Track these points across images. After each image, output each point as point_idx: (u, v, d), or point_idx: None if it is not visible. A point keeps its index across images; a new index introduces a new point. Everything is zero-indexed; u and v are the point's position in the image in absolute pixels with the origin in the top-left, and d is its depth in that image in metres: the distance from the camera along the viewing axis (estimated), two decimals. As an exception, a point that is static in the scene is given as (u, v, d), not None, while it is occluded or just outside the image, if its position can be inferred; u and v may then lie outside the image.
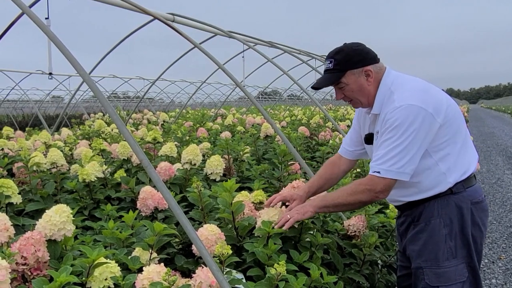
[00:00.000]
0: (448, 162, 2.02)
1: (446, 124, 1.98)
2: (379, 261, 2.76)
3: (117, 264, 1.81)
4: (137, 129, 8.16)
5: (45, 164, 3.55)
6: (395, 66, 2.18)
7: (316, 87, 2.17)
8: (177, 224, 2.41)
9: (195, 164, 3.38)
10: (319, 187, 2.40)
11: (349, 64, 2.05)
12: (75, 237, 2.13)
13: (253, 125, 8.39)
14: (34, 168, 3.46)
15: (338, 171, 2.44)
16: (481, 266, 2.19)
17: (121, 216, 2.43)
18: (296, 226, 2.26)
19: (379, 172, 1.97)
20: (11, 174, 3.86)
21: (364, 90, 2.09)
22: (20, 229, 2.44)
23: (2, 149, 4.89)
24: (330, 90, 26.09)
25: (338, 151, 2.48)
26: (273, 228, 2.13)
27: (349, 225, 2.63)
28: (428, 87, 2.05)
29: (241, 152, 4.26)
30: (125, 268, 1.92)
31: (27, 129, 9.96)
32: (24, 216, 2.77)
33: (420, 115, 1.92)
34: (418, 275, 2.08)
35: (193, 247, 2.08)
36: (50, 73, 5.46)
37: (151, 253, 2.02)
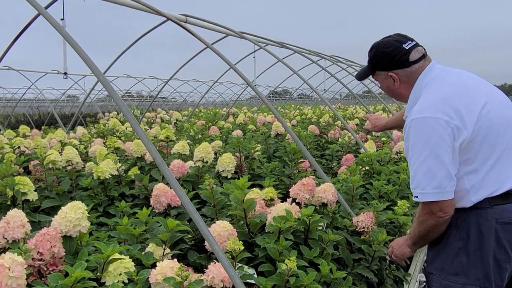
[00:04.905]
0: (474, 179, 1.80)
1: (477, 138, 1.77)
2: (387, 257, 2.78)
3: (131, 260, 1.85)
4: (150, 128, 8.23)
5: (61, 161, 3.61)
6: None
7: (357, 78, 2.21)
8: (190, 220, 2.45)
9: (207, 162, 3.41)
10: (392, 125, 2.75)
11: (376, 66, 2.02)
12: (90, 233, 2.17)
13: (264, 123, 8.40)
14: (50, 165, 3.52)
15: None
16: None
17: (135, 213, 2.47)
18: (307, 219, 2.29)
19: (417, 197, 1.83)
20: (27, 172, 3.93)
21: (393, 91, 2.03)
22: (36, 226, 2.49)
23: (19, 147, 4.99)
24: (339, 89, 25.96)
25: None
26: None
27: (357, 221, 2.66)
28: (458, 91, 1.83)
29: (252, 150, 4.29)
30: (139, 263, 1.96)
31: (43, 127, 10.10)
32: (40, 213, 2.83)
33: (438, 127, 1.74)
34: (429, 281, 2.02)
35: (206, 243, 2.11)
36: (66, 73, 5.55)
37: (164, 249, 2.05)
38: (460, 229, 1.85)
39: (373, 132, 6.94)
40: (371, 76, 2.13)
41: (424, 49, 1.98)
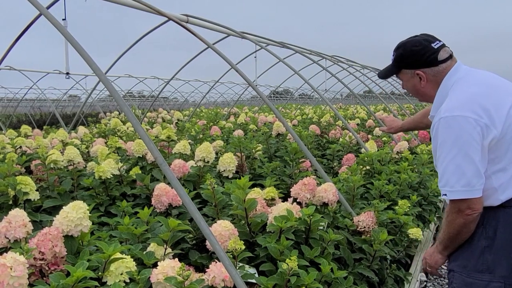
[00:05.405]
0: (502, 178, 1.81)
1: (506, 136, 1.78)
2: (388, 257, 2.78)
3: (132, 259, 1.85)
4: (152, 128, 8.24)
5: (62, 161, 3.62)
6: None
7: (379, 76, 2.18)
8: (191, 220, 2.46)
9: (208, 162, 3.42)
10: (409, 127, 2.75)
11: (403, 64, 2.01)
12: (92, 233, 2.18)
13: (265, 123, 8.40)
14: (52, 165, 3.53)
15: (427, 121, 2.41)
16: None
17: (136, 213, 2.48)
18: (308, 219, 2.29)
19: (446, 195, 1.81)
20: (29, 172, 3.94)
21: (418, 90, 2.03)
22: (37, 225, 2.50)
23: (20, 147, 5.00)
24: (339, 89, 25.99)
25: None
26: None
27: (358, 221, 2.67)
28: (486, 91, 1.84)
29: (253, 150, 4.29)
30: (140, 263, 1.96)
31: (44, 127, 10.10)
32: (41, 213, 2.84)
33: (468, 126, 1.74)
34: (449, 278, 2.01)
35: (207, 242, 2.11)
36: (67, 73, 5.56)
37: (165, 249, 2.06)
38: (487, 227, 1.85)
39: (374, 131, 6.95)
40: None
41: (451, 50, 1.99)
